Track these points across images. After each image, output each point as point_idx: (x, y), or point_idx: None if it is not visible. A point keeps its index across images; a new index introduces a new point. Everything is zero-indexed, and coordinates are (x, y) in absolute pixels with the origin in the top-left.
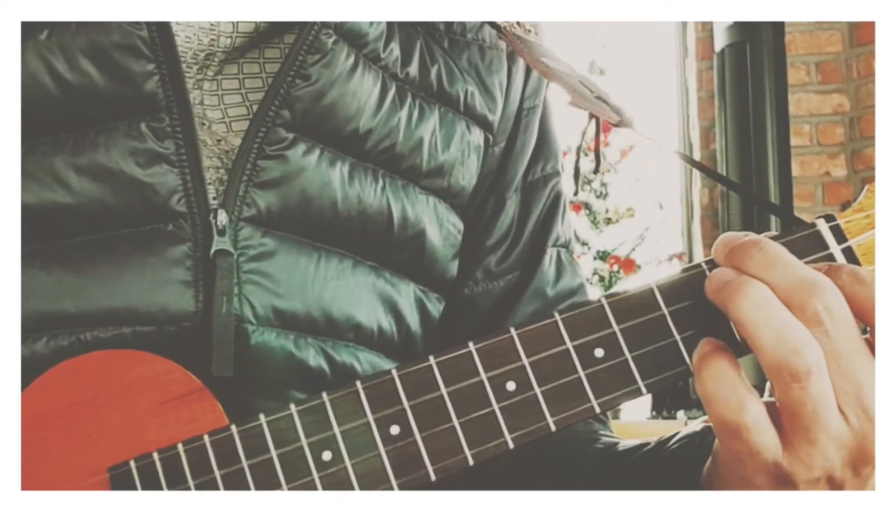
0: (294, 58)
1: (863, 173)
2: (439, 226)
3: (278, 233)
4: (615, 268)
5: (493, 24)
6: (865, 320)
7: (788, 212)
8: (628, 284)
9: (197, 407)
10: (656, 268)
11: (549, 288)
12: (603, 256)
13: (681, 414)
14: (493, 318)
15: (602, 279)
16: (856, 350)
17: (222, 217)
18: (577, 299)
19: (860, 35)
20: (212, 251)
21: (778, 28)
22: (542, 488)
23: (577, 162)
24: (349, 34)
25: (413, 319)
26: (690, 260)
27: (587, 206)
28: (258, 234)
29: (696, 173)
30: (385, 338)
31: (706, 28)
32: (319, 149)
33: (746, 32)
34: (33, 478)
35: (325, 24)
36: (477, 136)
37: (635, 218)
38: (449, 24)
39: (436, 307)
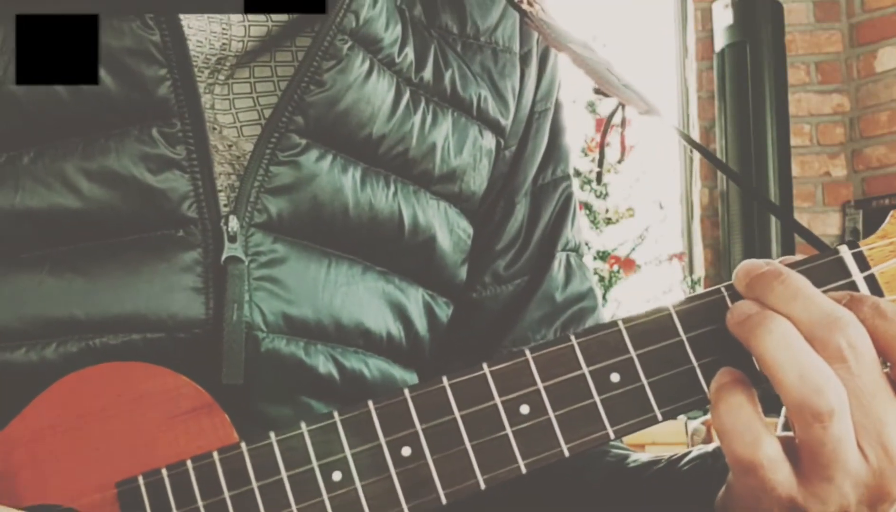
0: (309, 63)
1: (863, 173)
2: (449, 231)
3: (289, 239)
4: (615, 268)
5: (519, 10)
6: (887, 356)
7: (786, 211)
8: (628, 284)
9: (207, 422)
10: (656, 268)
11: (557, 293)
12: (603, 256)
13: (682, 416)
14: (502, 322)
15: (602, 279)
16: (878, 387)
17: (233, 223)
18: (586, 304)
19: (860, 35)
20: (223, 258)
21: (778, 28)
22: (550, 498)
23: (601, 150)
24: (364, 39)
25: (421, 324)
26: (690, 260)
27: (587, 206)
28: (269, 240)
29: (696, 173)
30: (394, 344)
31: (706, 28)
32: (332, 154)
33: (746, 32)
34: (41, 490)
35: (340, 30)
36: (489, 140)
37: (635, 218)
38: (462, 28)
39: (444, 312)
